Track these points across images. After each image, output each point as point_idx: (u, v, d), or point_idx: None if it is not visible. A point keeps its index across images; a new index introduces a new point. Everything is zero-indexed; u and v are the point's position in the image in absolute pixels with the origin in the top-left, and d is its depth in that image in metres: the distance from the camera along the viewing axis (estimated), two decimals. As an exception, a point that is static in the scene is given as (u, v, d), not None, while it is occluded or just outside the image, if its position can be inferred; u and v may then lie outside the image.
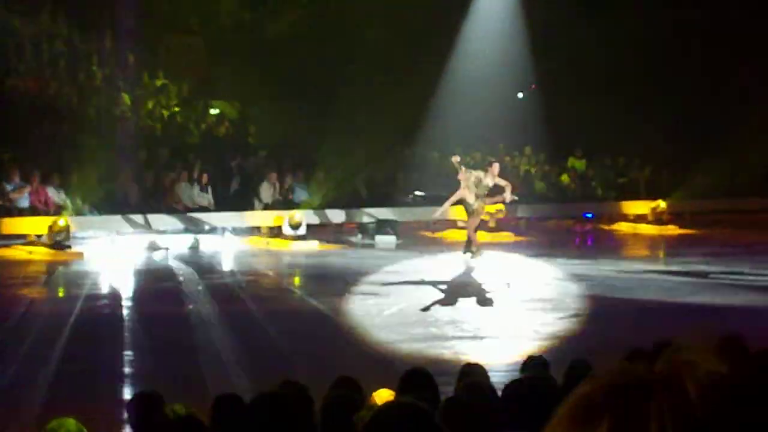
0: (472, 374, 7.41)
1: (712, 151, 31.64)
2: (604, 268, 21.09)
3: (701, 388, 1.08)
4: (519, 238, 26.27)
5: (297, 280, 20.60)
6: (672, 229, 28.19)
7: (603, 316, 15.90)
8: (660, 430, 1.07)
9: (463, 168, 21.90)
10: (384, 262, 21.89)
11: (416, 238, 26.19)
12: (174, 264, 21.56)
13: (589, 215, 29.91)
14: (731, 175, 31.34)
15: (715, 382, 1.08)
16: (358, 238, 25.98)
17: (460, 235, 26.55)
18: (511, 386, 6.09)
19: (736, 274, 20.11)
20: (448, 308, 16.46)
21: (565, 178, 31.59)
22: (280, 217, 25.60)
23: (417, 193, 29.35)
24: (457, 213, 27.79)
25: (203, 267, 21.27)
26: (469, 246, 22.04)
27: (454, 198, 21.64)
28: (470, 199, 21.61)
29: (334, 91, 29.21)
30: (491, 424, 5.78)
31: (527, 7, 32.40)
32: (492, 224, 26.93)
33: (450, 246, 24.96)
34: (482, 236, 26.19)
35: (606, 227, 28.91)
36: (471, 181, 21.44)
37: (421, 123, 30.78)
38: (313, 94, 29.69)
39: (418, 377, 7.03)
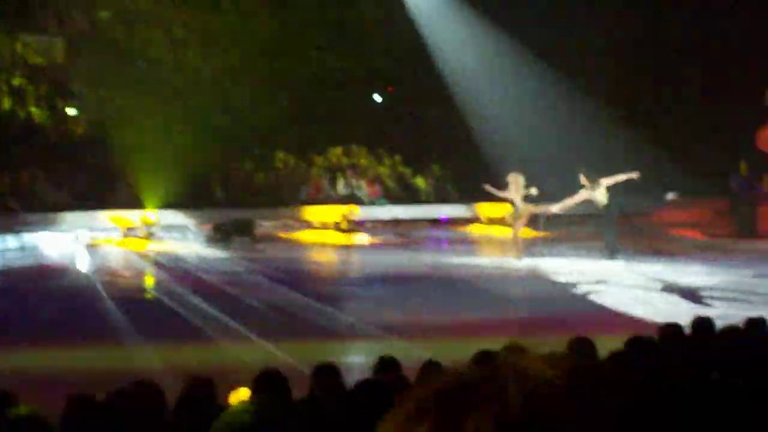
0: (327, 373, 7.48)
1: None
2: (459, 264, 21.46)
3: (524, 395, 1.09)
4: (374, 240, 26.45)
5: (150, 280, 20.46)
6: (526, 231, 28.62)
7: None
8: None
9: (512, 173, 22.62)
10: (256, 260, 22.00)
11: (272, 239, 26.24)
12: (27, 263, 21.27)
13: (444, 218, 30.28)
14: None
15: (540, 389, 1.09)
16: (213, 238, 25.86)
17: (314, 236, 26.69)
18: (360, 387, 6.21)
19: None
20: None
21: (420, 180, 31.84)
22: (140, 217, 25.43)
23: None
24: (312, 215, 27.90)
25: (57, 267, 21.02)
26: (515, 249, 22.68)
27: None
28: (517, 200, 22.38)
29: (191, 90, 29.09)
30: (343, 424, 5.87)
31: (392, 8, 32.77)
32: (344, 225, 27.13)
33: (306, 246, 25.13)
34: (336, 237, 26.38)
35: (462, 229, 29.27)
36: (519, 183, 22.33)
37: (280, 125, 30.80)
38: (169, 94, 29.48)
39: (270, 377, 7.06)
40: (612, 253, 22.39)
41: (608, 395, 1.11)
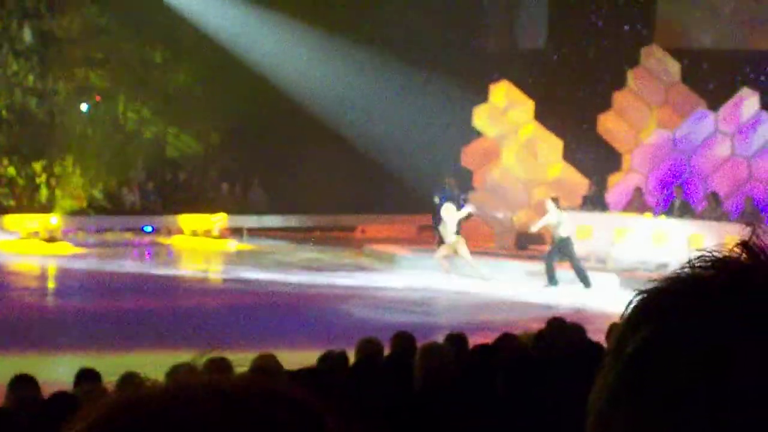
0: (22, 385, 7.33)
1: (274, 166, 32.60)
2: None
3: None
4: (77, 250, 25.94)
5: None
6: (224, 243, 28.80)
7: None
8: None
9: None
10: None
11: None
12: None
13: (149, 229, 30.01)
14: (293, 191, 32.33)
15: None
16: None
17: (14, 246, 25.89)
18: (52, 399, 6.20)
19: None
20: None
21: (125, 191, 31.33)
22: None
23: None
24: (12, 224, 27.03)
25: None
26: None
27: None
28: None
29: None
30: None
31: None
32: (44, 235, 26.48)
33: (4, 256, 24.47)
34: (37, 247, 25.72)
35: (165, 240, 29.10)
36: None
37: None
38: None
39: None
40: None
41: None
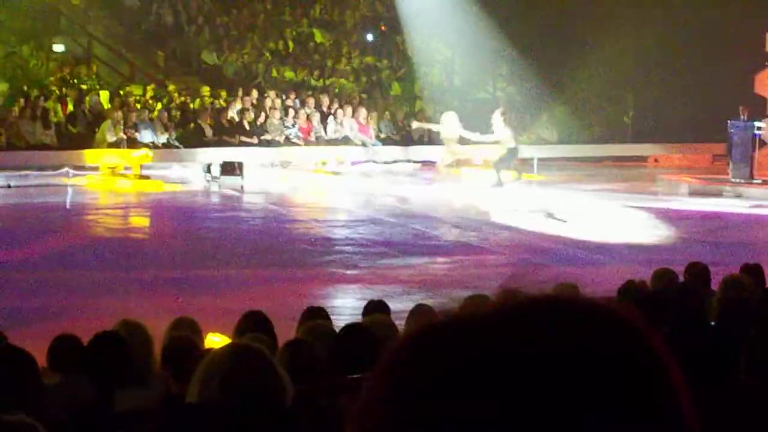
0: (315, 317, 7.42)
1: (558, 97, 32.11)
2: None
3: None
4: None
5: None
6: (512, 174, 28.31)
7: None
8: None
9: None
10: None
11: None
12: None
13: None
14: (577, 123, 31.91)
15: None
16: (205, 178, 25.51)
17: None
18: (347, 330, 6.17)
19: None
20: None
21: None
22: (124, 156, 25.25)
23: None
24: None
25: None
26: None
27: None
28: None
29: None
30: (331, 367, 5.82)
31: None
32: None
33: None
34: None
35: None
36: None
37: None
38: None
39: (254, 320, 7.00)
40: (499, 182, 24.12)
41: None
